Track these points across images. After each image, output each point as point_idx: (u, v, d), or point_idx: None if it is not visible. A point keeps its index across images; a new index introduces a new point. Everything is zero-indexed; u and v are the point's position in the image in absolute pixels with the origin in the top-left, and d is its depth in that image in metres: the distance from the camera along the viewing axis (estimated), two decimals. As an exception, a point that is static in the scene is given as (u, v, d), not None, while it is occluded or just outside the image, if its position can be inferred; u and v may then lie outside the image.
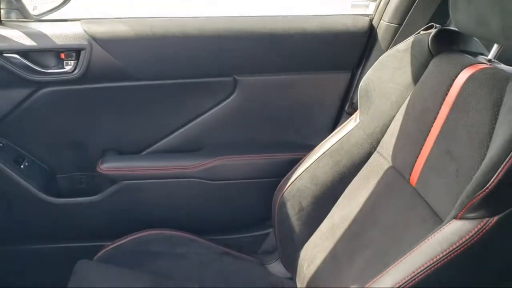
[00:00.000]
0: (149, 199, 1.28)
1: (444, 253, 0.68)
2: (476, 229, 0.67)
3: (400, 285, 0.70)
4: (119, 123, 1.27)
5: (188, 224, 1.27)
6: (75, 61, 1.13)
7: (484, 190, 0.65)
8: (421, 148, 0.88)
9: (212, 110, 1.26)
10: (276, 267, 1.26)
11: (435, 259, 0.68)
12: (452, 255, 0.68)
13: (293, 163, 1.17)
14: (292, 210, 1.14)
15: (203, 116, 1.27)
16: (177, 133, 1.28)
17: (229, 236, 1.34)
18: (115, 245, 1.20)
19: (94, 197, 1.27)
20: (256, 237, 1.37)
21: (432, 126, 0.86)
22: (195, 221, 1.30)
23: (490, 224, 0.66)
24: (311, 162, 1.11)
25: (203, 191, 1.27)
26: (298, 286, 1.11)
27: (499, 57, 0.86)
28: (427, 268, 0.69)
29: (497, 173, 0.63)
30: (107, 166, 1.24)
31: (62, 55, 1.14)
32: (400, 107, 0.98)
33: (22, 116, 1.19)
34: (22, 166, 1.24)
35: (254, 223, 1.37)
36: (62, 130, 1.25)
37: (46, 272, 1.29)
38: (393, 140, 0.97)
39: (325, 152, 1.09)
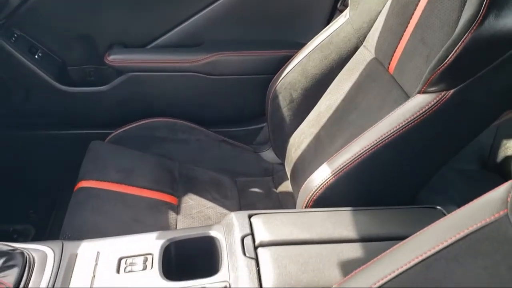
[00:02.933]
0: (153, 90, 1.39)
1: (406, 122, 0.80)
2: (434, 101, 0.78)
3: (368, 148, 0.83)
4: (124, 17, 1.35)
5: (188, 115, 1.39)
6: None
7: (443, 65, 0.75)
8: (400, 39, 0.96)
9: (212, 6, 1.33)
10: (268, 155, 1.40)
11: (398, 127, 0.80)
12: (413, 123, 0.80)
13: (287, 60, 1.27)
14: (284, 102, 1.25)
15: (204, 11, 1.34)
16: (179, 28, 1.37)
17: (226, 129, 1.46)
18: (123, 130, 1.33)
19: (102, 87, 1.38)
20: (251, 130, 1.49)
21: (411, 18, 0.94)
22: (195, 113, 1.42)
23: (447, 96, 0.77)
24: (303, 56, 1.21)
25: (203, 85, 1.38)
26: (286, 168, 1.25)
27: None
28: (391, 134, 0.81)
29: (455, 49, 0.73)
30: (114, 58, 1.33)
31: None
32: (386, 3, 1.06)
33: (34, 7, 1.27)
34: (36, 57, 1.34)
35: (250, 117, 1.49)
36: (72, 22, 1.33)
37: (61, 154, 1.43)
38: (377, 34, 1.06)
39: (316, 46, 1.18)
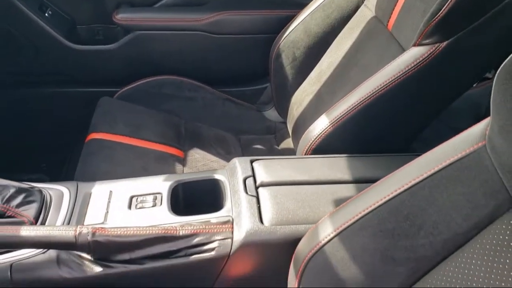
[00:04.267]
0: (160, 48, 1.42)
1: (401, 73, 0.84)
2: (428, 53, 0.82)
3: (364, 98, 0.87)
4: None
5: (194, 74, 1.43)
6: None
7: (437, 17, 0.78)
8: (399, -4, 0.99)
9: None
10: (271, 114, 1.45)
11: (392, 78, 0.85)
12: (407, 74, 0.84)
13: (291, 19, 1.30)
14: (287, 60, 1.29)
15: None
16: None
17: (230, 89, 1.50)
18: (131, 87, 1.38)
19: (110, 45, 1.42)
20: (254, 90, 1.53)
21: (411, -25, 0.97)
22: (200, 72, 1.46)
23: (440, 48, 0.81)
24: (306, 15, 1.24)
25: (208, 44, 1.42)
26: (288, 126, 1.30)
27: None
28: (387, 85, 0.85)
29: (447, 2, 0.76)
30: (122, 17, 1.37)
31: None
32: (388, -39, 1.08)
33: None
34: (46, 15, 1.38)
35: (253, 77, 1.53)
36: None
37: (70, 112, 1.48)
38: (378, -8, 1.08)
39: (318, 5, 1.21)
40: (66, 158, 1.38)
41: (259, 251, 0.75)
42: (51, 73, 1.46)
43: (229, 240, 0.74)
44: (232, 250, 0.74)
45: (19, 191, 0.79)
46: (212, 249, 0.74)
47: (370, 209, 0.59)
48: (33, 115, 1.49)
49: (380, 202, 0.59)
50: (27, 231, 0.68)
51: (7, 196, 0.77)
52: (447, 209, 0.56)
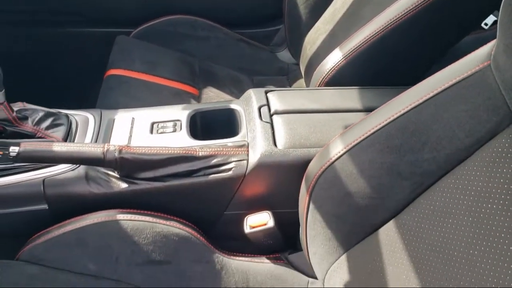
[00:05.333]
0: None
1: (413, 6, 0.86)
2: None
3: (377, 32, 0.89)
4: None
5: (208, 14, 1.44)
6: None
7: None
8: None
9: None
10: (284, 55, 1.47)
11: (405, 11, 0.87)
12: (420, 8, 0.85)
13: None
14: (300, 0, 1.29)
15: None
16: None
17: (244, 30, 1.51)
18: (146, 26, 1.40)
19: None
20: (268, 32, 1.54)
21: None
22: (214, 12, 1.46)
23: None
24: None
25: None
26: (301, 67, 1.32)
27: None
28: (399, 18, 0.87)
29: None
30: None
31: None
32: None
33: None
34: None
35: (267, 19, 1.53)
36: None
37: (87, 52, 1.51)
38: None
39: None
40: (85, 94, 1.42)
41: (273, 173, 0.80)
42: (64, 13, 1.48)
43: (245, 161, 0.79)
44: (247, 171, 0.79)
45: (47, 114, 0.84)
46: (229, 170, 0.79)
47: (379, 126, 0.63)
48: (51, 54, 1.52)
49: (388, 120, 0.63)
50: (59, 147, 0.73)
51: (36, 119, 0.83)
52: (450, 126, 0.60)
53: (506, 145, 0.55)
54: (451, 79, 0.59)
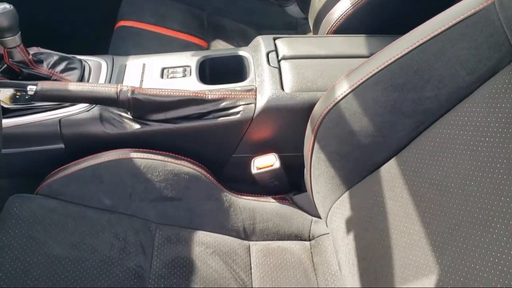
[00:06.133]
0: None
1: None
2: None
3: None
4: None
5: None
6: None
7: None
8: None
9: None
10: (293, 9, 1.46)
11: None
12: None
13: None
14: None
15: None
16: None
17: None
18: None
19: None
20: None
21: None
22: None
23: None
24: None
25: None
26: (309, 20, 1.32)
27: None
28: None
29: None
30: None
31: None
32: None
33: None
34: None
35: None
36: None
37: (97, 3, 1.50)
38: None
39: None
40: (97, 44, 1.43)
41: (280, 116, 0.82)
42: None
43: (253, 105, 0.82)
44: (255, 114, 0.82)
45: (62, 59, 0.87)
46: (237, 113, 0.82)
47: (383, 65, 0.65)
48: (64, 3, 1.52)
49: (392, 59, 0.65)
50: (75, 86, 0.76)
51: (51, 63, 0.85)
52: (453, 63, 0.61)
53: (506, 81, 0.57)
54: (455, 18, 0.61)
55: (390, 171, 0.68)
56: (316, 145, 0.74)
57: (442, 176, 0.60)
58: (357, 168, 0.72)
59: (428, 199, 0.61)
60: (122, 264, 0.71)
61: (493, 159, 0.55)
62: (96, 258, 0.71)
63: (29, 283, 0.65)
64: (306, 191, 0.85)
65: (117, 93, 0.76)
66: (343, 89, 0.69)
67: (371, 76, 0.66)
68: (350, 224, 0.73)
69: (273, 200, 0.87)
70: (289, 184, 0.89)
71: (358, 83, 0.67)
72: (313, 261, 0.81)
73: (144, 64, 0.91)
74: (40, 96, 0.75)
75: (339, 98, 0.69)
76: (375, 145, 0.69)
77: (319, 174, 0.76)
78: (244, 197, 0.86)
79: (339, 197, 0.76)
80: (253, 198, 0.87)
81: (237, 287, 0.75)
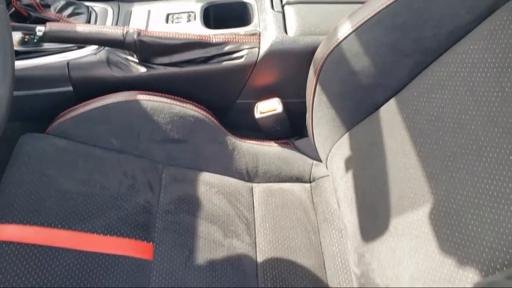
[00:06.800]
0: None
1: None
2: None
3: None
4: None
5: None
6: None
7: None
8: None
9: None
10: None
11: None
12: None
13: None
14: None
15: None
16: None
17: None
18: None
19: None
20: None
21: None
22: None
23: None
24: None
25: None
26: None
27: None
28: None
29: None
30: None
31: None
32: None
33: None
34: None
35: None
36: None
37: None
38: None
39: None
40: None
41: (283, 60, 0.84)
42: None
43: (256, 49, 0.83)
44: (258, 58, 0.83)
45: (69, 3, 0.88)
46: (241, 57, 0.83)
47: (384, 5, 0.66)
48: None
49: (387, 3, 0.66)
50: (82, 28, 0.78)
51: (58, 7, 0.86)
52: (453, 2, 0.63)
53: (505, 18, 0.58)
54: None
55: (389, 110, 0.71)
56: (318, 87, 0.76)
57: (438, 112, 0.62)
58: (357, 109, 0.74)
59: (424, 135, 0.63)
60: (131, 200, 0.75)
61: (488, 93, 0.57)
62: (106, 193, 0.74)
63: (41, 215, 0.68)
64: (307, 136, 0.88)
65: (123, 34, 0.78)
66: (345, 29, 0.70)
67: (373, 16, 0.67)
68: (349, 163, 0.75)
69: (276, 145, 0.90)
70: (291, 130, 0.92)
71: (360, 23, 0.69)
72: (313, 201, 0.84)
73: (149, 11, 0.92)
74: (48, 37, 0.77)
75: (341, 39, 0.71)
76: (376, 86, 0.71)
77: (321, 116, 0.79)
78: (248, 141, 0.89)
79: (339, 139, 0.78)
80: (257, 142, 0.89)
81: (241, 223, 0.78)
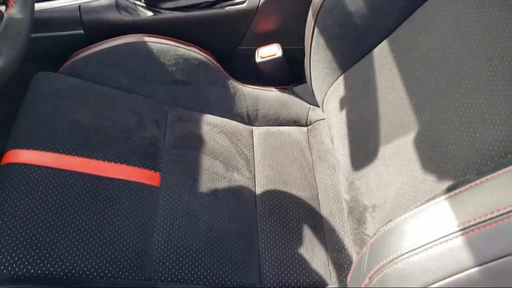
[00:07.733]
0: None
1: None
2: None
3: None
4: None
5: None
6: None
7: None
8: None
9: None
10: None
11: None
12: None
13: None
14: None
15: None
16: None
17: None
18: None
19: None
20: None
21: None
22: None
23: None
24: None
25: None
26: None
27: None
28: None
29: None
30: None
31: None
32: None
33: None
34: None
35: None
36: None
37: None
38: None
39: None
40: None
41: (284, 4, 0.89)
42: None
43: (258, -5, 0.88)
44: (260, 2, 0.88)
45: (78, -50, 0.91)
46: (243, 2, 0.88)
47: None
48: None
49: None
50: (93, -31, 0.82)
51: (69, -47, 0.90)
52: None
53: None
54: None
55: (381, 51, 0.75)
56: (316, 30, 0.80)
57: (427, 48, 0.67)
58: (353, 50, 0.79)
59: (413, 70, 0.68)
60: (139, 134, 0.80)
61: (473, 27, 0.62)
62: (116, 127, 0.79)
63: (57, 143, 0.74)
64: (306, 82, 0.93)
65: (132, -23, 0.82)
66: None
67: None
68: (344, 103, 0.81)
69: (275, 90, 0.95)
70: (290, 76, 0.97)
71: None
72: (309, 142, 0.90)
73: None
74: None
75: (339, -17, 0.75)
76: (369, 26, 0.75)
77: (318, 59, 0.83)
78: (249, 86, 0.94)
79: (335, 81, 0.83)
80: (257, 87, 0.94)
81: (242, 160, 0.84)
